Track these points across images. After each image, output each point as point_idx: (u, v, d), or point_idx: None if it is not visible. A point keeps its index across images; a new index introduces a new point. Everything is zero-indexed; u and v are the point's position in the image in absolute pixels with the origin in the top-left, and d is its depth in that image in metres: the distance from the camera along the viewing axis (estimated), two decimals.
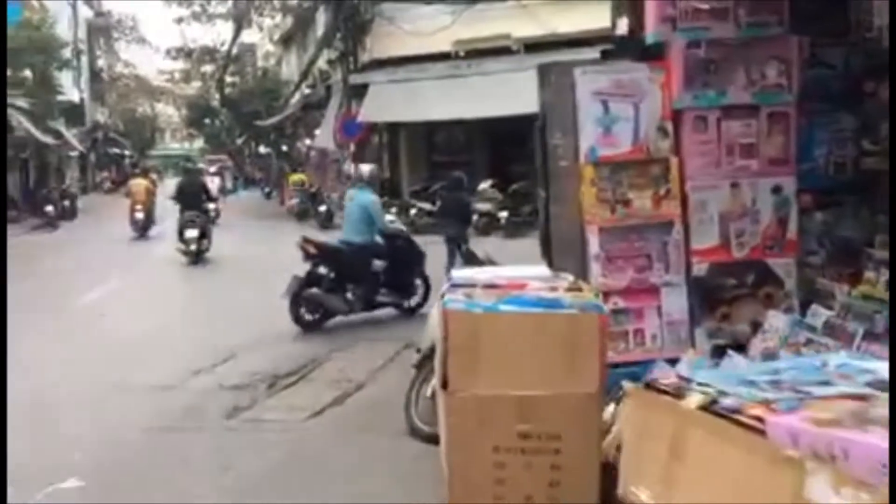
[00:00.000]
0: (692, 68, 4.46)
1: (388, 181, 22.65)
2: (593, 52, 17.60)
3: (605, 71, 4.50)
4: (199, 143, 63.92)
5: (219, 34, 30.93)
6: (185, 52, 31.86)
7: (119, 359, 7.35)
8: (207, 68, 37.05)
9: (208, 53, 31.12)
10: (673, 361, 4.19)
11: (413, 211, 19.49)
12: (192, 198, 15.80)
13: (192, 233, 14.85)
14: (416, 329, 8.13)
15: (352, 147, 22.29)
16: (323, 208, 21.76)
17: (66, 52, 29.05)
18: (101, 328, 8.91)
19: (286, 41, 38.11)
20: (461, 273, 3.88)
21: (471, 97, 19.34)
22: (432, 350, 5.03)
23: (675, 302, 4.52)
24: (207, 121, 48.30)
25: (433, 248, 16.56)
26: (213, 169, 37.66)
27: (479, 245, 17.22)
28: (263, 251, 15.73)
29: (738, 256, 4.52)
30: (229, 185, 40.32)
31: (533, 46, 19.30)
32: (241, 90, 35.36)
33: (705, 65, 4.48)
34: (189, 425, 5.57)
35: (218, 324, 8.77)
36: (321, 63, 25.98)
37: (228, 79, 36.86)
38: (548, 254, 4.83)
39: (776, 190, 4.49)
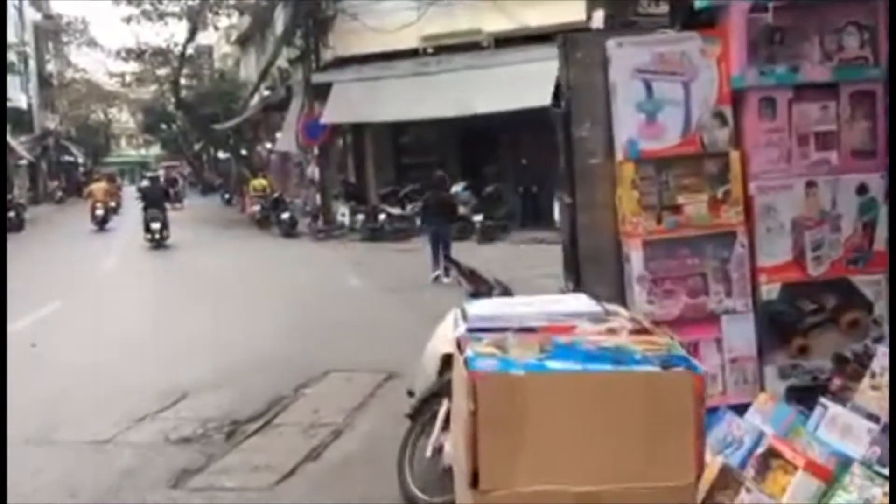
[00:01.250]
0: (757, 38, 3.52)
1: (354, 185, 21.59)
2: None
3: (647, 42, 3.54)
4: (156, 149, 62.20)
5: (172, 35, 29.56)
6: (136, 54, 30.40)
7: (45, 401, 6.21)
8: (162, 71, 35.58)
9: (161, 55, 29.69)
10: (739, 408, 3.28)
11: (382, 216, 18.47)
12: (155, 199, 19.69)
13: (155, 225, 19.11)
14: (393, 354, 7.18)
15: (315, 150, 21.19)
16: (286, 215, 20.65)
17: (12, 56, 27.48)
18: (28, 360, 7.71)
19: (244, 42, 36.81)
20: (478, 308, 2.90)
21: (440, 95, 18.40)
22: (431, 395, 4.05)
23: (740, 333, 3.59)
24: (164, 126, 46.75)
25: (408, 257, 15.75)
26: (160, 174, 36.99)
27: (454, 250, 16.43)
28: (219, 265, 14.59)
29: (815, 274, 3.60)
30: (185, 190, 39.33)
31: (504, 41, 18.46)
32: (197, 93, 33.98)
33: (771, 34, 3.55)
34: (121, 499, 4.47)
35: (165, 353, 7.69)
36: (281, 62, 24.83)
37: (184, 81, 35.46)
38: (574, 275, 3.87)
39: (861, 190, 3.58)
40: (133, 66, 34.97)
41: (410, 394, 4.41)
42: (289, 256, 16.29)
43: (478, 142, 20.48)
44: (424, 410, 4.01)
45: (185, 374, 6.76)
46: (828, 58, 3.56)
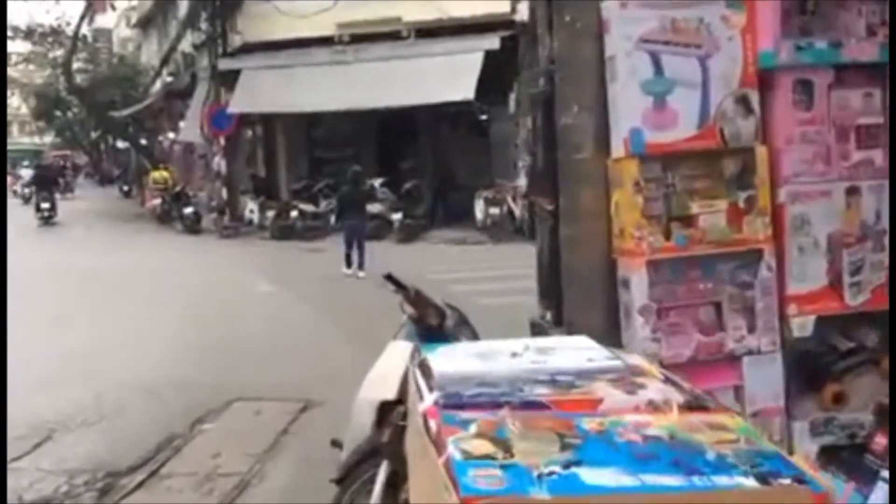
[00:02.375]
0: (790, 5, 2.77)
1: (264, 180, 20.34)
2: (491, 40, 16.10)
3: (657, 5, 2.73)
4: (51, 137, 58.68)
5: (63, 13, 27.31)
6: (24, 33, 28.07)
7: None
8: (57, 54, 33.11)
9: (53, 35, 27.46)
10: None
11: (294, 213, 17.34)
12: (45, 183, 23.39)
13: (45, 205, 21.99)
14: (309, 376, 6.25)
15: (222, 141, 19.82)
16: (189, 210, 19.22)
17: None
18: None
19: (145, 24, 34.72)
20: (445, 362, 2.03)
21: (356, 86, 17.43)
22: (365, 454, 3.16)
23: (765, 380, 2.84)
24: (58, 113, 43.83)
25: (322, 258, 14.68)
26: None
27: (370, 249, 15.47)
28: (109, 265, 13.16)
29: (854, 304, 2.88)
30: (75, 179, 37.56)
31: (425, 32, 17.65)
32: (92, 77, 31.72)
33: (802, 2, 2.80)
34: None
35: (29, 377, 6.37)
36: (185, 47, 23.25)
37: (80, 65, 33.12)
38: (553, 302, 3.04)
39: None
40: (20, 47, 32.37)
41: (335, 444, 3.50)
42: (190, 256, 14.97)
43: (395, 136, 19.59)
44: (356, 474, 3.12)
45: (51, 407, 5.60)
46: (871, 32, 2.85)
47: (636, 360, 2.18)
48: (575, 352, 2.15)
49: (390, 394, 3.11)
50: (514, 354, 2.14)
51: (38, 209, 21.82)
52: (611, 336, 2.71)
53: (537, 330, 3.23)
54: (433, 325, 3.34)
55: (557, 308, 3.00)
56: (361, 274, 12.41)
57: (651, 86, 2.71)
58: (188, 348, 7.37)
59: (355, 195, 13.23)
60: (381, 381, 3.20)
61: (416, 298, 3.43)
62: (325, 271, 12.63)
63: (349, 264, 12.44)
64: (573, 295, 2.92)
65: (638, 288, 2.72)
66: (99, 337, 7.40)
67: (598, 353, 2.14)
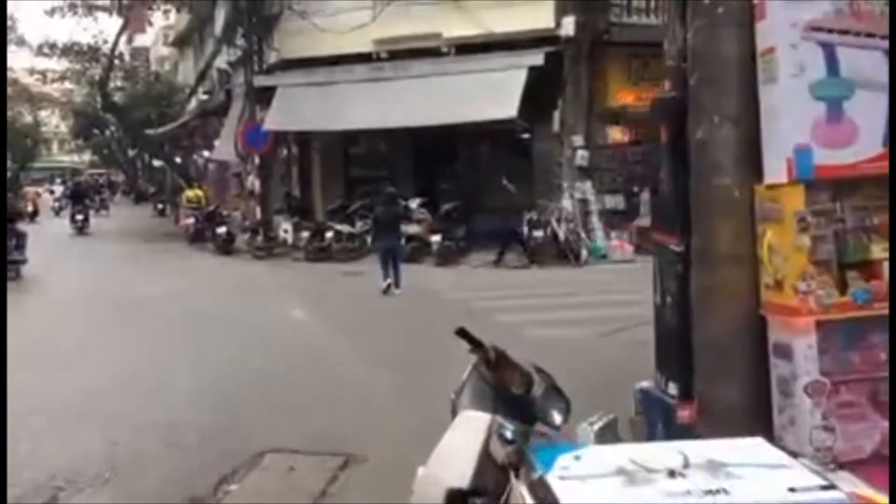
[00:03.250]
0: None
1: (298, 199, 19.87)
2: (534, 56, 15.52)
3: None
4: (88, 155, 59.27)
5: (101, 31, 27.20)
6: (60, 50, 28.04)
7: None
8: (95, 72, 33.19)
9: (91, 53, 27.42)
10: None
11: (329, 234, 16.79)
12: (79, 197, 25.68)
13: (79, 217, 24.36)
14: (351, 425, 5.62)
15: (256, 160, 19.40)
16: (222, 230, 18.77)
17: None
18: None
19: (181, 43, 34.74)
20: (572, 495, 1.38)
21: (394, 104, 16.91)
22: None
23: None
24: (96, 131, 44.12)
25: (360, 282, 14.10)
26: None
27: (409, 273, 14.86)
28: (135, 290, 12.65)
29: None
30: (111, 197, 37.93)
31: (465, 48, 17.09)
32: (128, 96, 31.69)
33: None
34: None
35: (38, 422, 5.79)
36: (221, 64, 22.96)
37: (118, 84, 33.18)
38: (679, 371, 2.36)
39: None
40: (59, 65, 32.44)
41: None
42: (221, 279, 14.47)
43: (434, 155, 18.99)
44: None
45: (60, 458, 4.97)
46: None
47: (846, 480, 1.50)
48: (760, 472, 1.47)
49: (462, 481, 2.46)
50: (673, 473, 1.47)
51: (73, 220, 24.19)
52: (756, 418, 2.04)
53: (653, 404, 2.54)
54: (517, 393, 2.67)
55: (684, 378, 2.31)
56: (398, 291, 12.24)
57: (823, 88, 2.04)
58: (215, 387, 6.77)
59: (390, 216, 13.19)
60: (451, 460, 2.55)
61: (497, 360, 2.76)
62: (362, 296, 12.02)
63: (387, 276, 12.38)
64: (707, 362, 2.25)
65: (804, 358, 2.04)
66: (118, 373, 6.80)
67: (798, 475, 1.46)
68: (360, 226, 17.27)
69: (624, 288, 12.23)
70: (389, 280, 12.25)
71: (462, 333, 2.86)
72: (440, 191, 18.56)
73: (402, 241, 13.20)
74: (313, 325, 9.74)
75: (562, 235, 15.68)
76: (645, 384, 2.76)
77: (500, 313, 9.93)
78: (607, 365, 7.25)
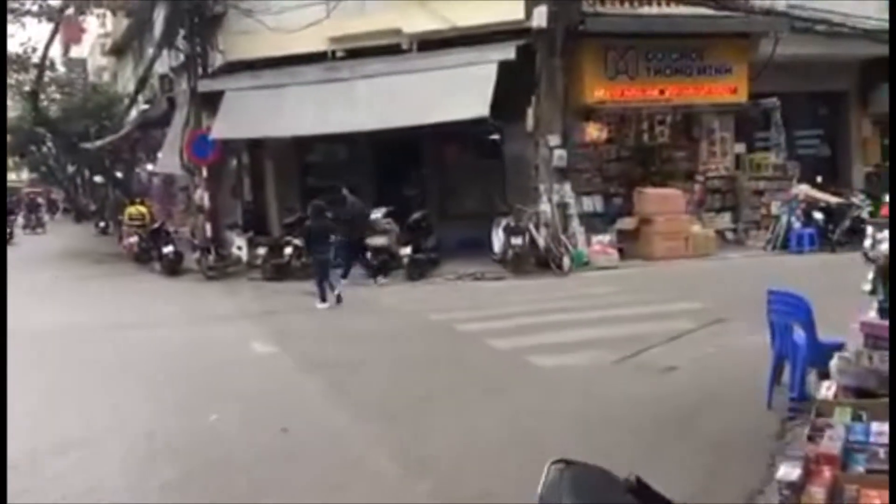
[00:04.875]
0: None
1: (252, 213, 18.41)
2: (505, 50, 14.33)
3: None
4: (27, 173, 56.59)
5: (29, 38, 25.20)
6: None
7: None
8: (24, 84, 31.10)
9: (19, 62, 25.41)
10: None
11: (288, 250, 15.39)
12: None
13: None
14: None
15: (204, 171, 17.88)
16: (169, 249, 17.22)
17: None
18: None
19: (120, 51, 32.85)
20: None
21: (352, 106, 15.66)
22: None
23: None
24: (33, 147, 41.82)
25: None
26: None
27: (377, 292, 13.54)
28: (63, 320, 11.04)
29: None
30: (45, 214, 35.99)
31: (428, 44, 15.90)
32: (62, 108, 29.74)
33: None
34: None
35: None
36: (162, 70, 21.34)
37: (52, 96, 31.17)
38: None
39: None
40: None
41: None
42: (168, 304, 12.95)
43: (398, 160, 17.75)
44: None
45: None
46: None
47: None
48: None
49: None
50: None
51: None
52: None
53: None
54: None
55: None
56: (323, 305, 11.74)
57: None
58: (151, 457, 5.41)
59: (320, 229, 12.76)
60: None
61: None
62: (332, 320, 10.69)
63: (324, 299, 11.89)
64: None
65: None
66: (17, 439, 5.34)
67: None
68: (304, 235, 15.87)
69: (620, 300, 11.13)
70: (338, 291, 12.01)
71: (636, 490, 1.57)
72: (406, 198, 17.30)
73: (332, 254, 12.84)
74: (278, 360, 8.33)
75: (542, 242, 14.54)
76: None
77: (493, 337, 8.70)
78: (641, 406, 6.05)
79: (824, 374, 5.69)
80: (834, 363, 4.32)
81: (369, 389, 6.94)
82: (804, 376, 5.48)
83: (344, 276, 13.12)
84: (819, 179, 17.41)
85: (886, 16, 17.32)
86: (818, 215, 16.07)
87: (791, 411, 5.45)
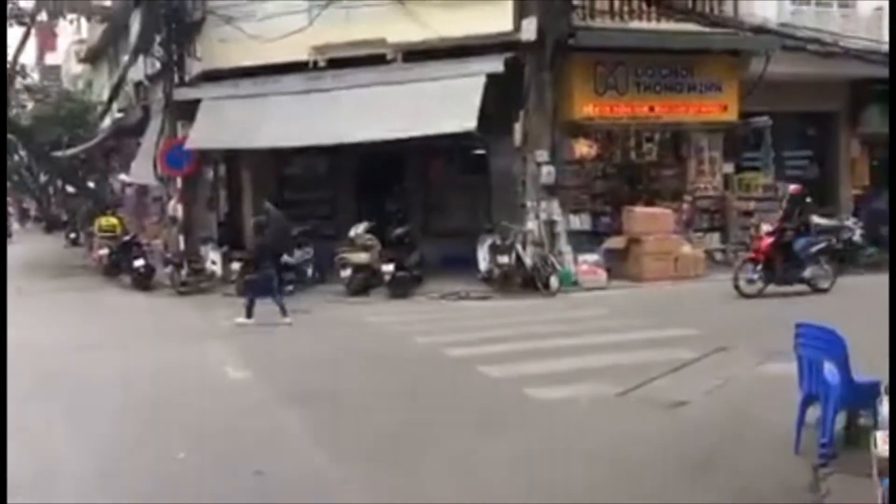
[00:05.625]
0: None
1: (227, 226, 17.76)
2: (493, 62, 13.87)
3: None
4: None
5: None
6: None
7: None
8: None
9: None
10: None
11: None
12: None
13: None
14: None
15: (178, 182, 17.24)
16: (139, 262, 16.53)
17: None
18: None
19: (95, 58, 32.10)
20: None
21: (334, 118, 15.12)
22: None
23: None
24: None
25: (306, 322, 12.07)
26: None
27: (357, 310, 12.95)
28: (18, 340, 10.25)
29: None
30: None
31: (413, 54, 15.41)
32: (34, 116, 28.93)
33: None
34: None
35: None
36: (138, 76, 20.68)
37: (24, 104, 30.35)
38: None
39: None
40: None
41: None
42: (134, 322, 12.24)
43: (380, 174, 17.22)
44: None
45: None
46: None
47: None
48: None
49: None
50: None
51: None
52: None
53: None
54: None
55: None
56: (288, 320, 11.33)
57: None
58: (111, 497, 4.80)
59: (263, 248, 12.40)
60: None
61: None
62: (313, 342, 10.08)
63: (250, 315, 11.45)
64: None
65: None
66: None
67: None
68: (299, 255, 15.30)
69: (613, 325, 10.64)
70: (253, 319, 11.42)
71: None
72: (388, 214, 16.76)
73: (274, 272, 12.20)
74: (253, 388, 7.70)
75: (529, 261, 14.03)
76: None
77: (485, 364, 8.16)
78: (655, 447, 5.53)
79: (854, 415, 5.23)
80: (885, 409, 3.83)
81: (353, 425, 6.35)
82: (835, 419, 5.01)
83: (268, 294, 11.80)
84: (808, 200, 17.11)
85: (876, 35, 17.23)
86: None
87: (822, 457, 4.96)
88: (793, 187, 14.37)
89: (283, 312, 11.51)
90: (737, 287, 12.69)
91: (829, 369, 5.02)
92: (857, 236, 15.40)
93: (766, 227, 13.53)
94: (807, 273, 13.02)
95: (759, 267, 12.84)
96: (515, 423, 6.20)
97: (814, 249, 13.25)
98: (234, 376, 8.22)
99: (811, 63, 16.31)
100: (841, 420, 5.15)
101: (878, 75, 17.62)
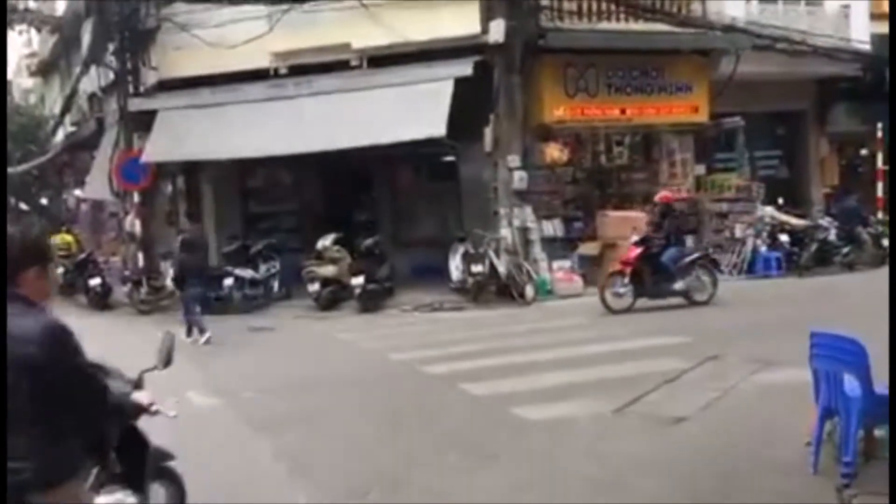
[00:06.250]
0: None
1: (189, 241, 17.03)
2: (462, 66, 13.42)
3: None
4: None
5: None
6: None
7: None
8: None
9: None
10: None
11: (228, 281, 14.18)
12: None
13: None
14: None
15: (135, 197, 16.54)
16: (96, 281, 15.82)
17: None
18: None
19: (46, 71, 31.12)
20: None
21: (297, 126, 14.62)
22: None
23: None
24: None
25: (273, 340, 11.59)
26: None
27: (326, 325, 12.41)
28: None
29: None
30: None
31: (378, 59, 14.93)
32: None
33: None
34: None
35: None
36: (91, 87, 19.90)
37: None
38: None
39: None
40: None
41: None
42: (90, 343, 11.44)
43: (347, 183, 16.71)
44: None
45: None
46: None
47: None
48: None
49: None
50: None
51: None
52: None
53: None
54: None
55: None
56: (202, 340, 11.09)
57: None
58: None
59: (193, 262, 12.22)
60: None
61: None
62: (282, 362, 9.53)
63: (196, 332, 11.33)
64: None
65: None
66: None
67: None
68: (264, 269, 14.74)
69: (594, 335, 10.22)
70: (194, 335, 11.27)
71: None
72: (356, 224, 16.26)
73: (200, 288, 12.23)
74: (219, 416, 7.15)
75: (503, 270, 13.63)
76: None
77: (466, 381, 7.70)
78: (662, 471, 5.11)
79: (869, 427, 4.87)
80: None
81: (329, 456, 5.82)
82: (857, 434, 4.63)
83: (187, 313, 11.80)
84: (780, 201, 16.97)
85: (843, 33, 17.17)
86: (784, 238, 15.57)
87: (845, 477, 4.57)
88: (661, 195, 13.55)
89: (193, 331, 11.34)
90: (603, 301, 11.84)
91: (850, 381, 4.65)
92: (832, 236, 15.24)
93: (634, 238, 12.63)
94: (678, 285, 12.13)
95: (626, 280, 12.00)
96: (507, 448, 5.73)
97: (687, 260, 12.33)
98: (198, 403, 7.63)
99: (779, 62, 16.17)
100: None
101: (845, 73, 17.65)
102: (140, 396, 3.55)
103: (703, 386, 7.20)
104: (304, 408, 7.19)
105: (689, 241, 16.15)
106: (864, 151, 19.71)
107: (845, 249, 15.24)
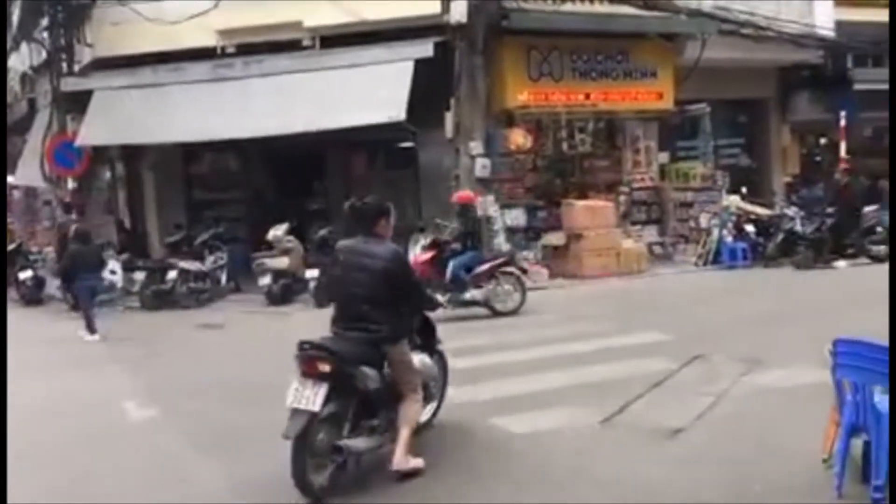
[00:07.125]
0: None
1: (128, 231, 16.05)
2: (422, 47, 12.62)
3: None
4: None
5: None
6: None
7: None
8: None
9: None
10: None
11: (172, 274, 13.27)
12: None
13: None
14: None
15: (70, 183, 15.45)
16: (27, 274, 14.75)
17: None
18: None
19: None
20: None
21: (246, 109, 13.83)
22: None
23: None
24: None
25: (221, 338, 10.71)
26: None
27: (279, 322, 11.63)
28: None
29: None
30: None
31: (332, 39, 14.19)
32: None
33: None
34: None
35: None
36: (22, 66, 18.63)
37: None
38: None
39: None
40: None
41: None
42: (16, 343, 10.49)
43: (298, 170, 15.88)
44: None
45: None
46: None
47: None
48: None
49: None
50: None
51: None
52: None
53: None
54: None
55: None
56: (89, 338, 10.69)
57: None
58: None
59: (87, 253, 11.49)
60: None
61: None
62: (232, 366, 8.71)
63: (93, 330, 10.86)
64: None
65: None
66: None
67: None
68: (211, 261, 13.87)
69: (568, 332, 9.57)
70: (96, 335, 10.82)
71: None
72: (309, 213, 15.46)
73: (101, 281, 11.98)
74: (159, 431, 6.29)
75: None
76: None
77: (459, 395, 6.98)
78: (667, 498, 4.50)
79: None
80: None
81: (284, 479, 5.10)
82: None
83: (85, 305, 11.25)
84: (744, 190, 16.66)
85: (808, 19, 16.89)
86: (750, 228, 15.24)
87: (876, 503, 4.04)
88: (458, 195, 12.10)
89: (90, 329, 10.87)
90: None
91: (880, 395, 4.11)
92: (798, 226, 14.95)
93: (423, 242, 11.67)
94: (470, 295, 10.98)
95: None
96: (489, 467, 5.07)
97: (485, 267, 11.11)
98: (135, 416, 6.79)
99: (744, 48, 15.84)
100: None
101: (809, 61, 17.42)
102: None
103: (694, 389, 6.66)
104: (256, 419, 6.38)
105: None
106: (823, 140, 19.57)
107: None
